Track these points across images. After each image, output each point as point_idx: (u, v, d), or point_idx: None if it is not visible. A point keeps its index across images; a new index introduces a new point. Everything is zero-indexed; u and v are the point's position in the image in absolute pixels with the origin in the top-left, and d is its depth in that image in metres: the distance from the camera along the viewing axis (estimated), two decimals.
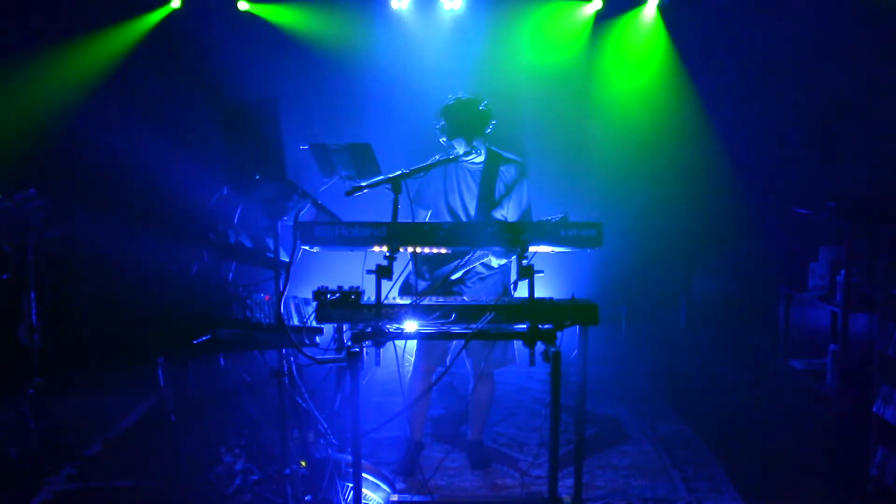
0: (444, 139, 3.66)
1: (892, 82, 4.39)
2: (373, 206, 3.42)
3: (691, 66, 6.16)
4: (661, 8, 6.11)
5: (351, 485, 2.89)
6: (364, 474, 3.00)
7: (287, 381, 3.14)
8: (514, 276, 2.81)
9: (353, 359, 2.71)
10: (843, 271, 3.82)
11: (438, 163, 3.33)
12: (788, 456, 4.12)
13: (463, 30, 6.11)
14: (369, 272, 2.70)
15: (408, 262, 3.30)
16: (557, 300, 2.82)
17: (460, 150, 3.56)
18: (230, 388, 3.47)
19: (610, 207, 6.14)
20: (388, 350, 2.81)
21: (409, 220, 3.50)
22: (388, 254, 2.75)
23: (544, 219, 2.87)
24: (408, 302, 2.79)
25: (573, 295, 2.86)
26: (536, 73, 6.21)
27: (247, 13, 6.09)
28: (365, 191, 2.90)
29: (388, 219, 2.83)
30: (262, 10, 6.10)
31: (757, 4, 5.67)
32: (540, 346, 2.76)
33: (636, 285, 6.54)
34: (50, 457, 3.95)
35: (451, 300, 2.90)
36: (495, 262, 3.67)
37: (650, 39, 6.22)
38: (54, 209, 4.12)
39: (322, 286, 2.75)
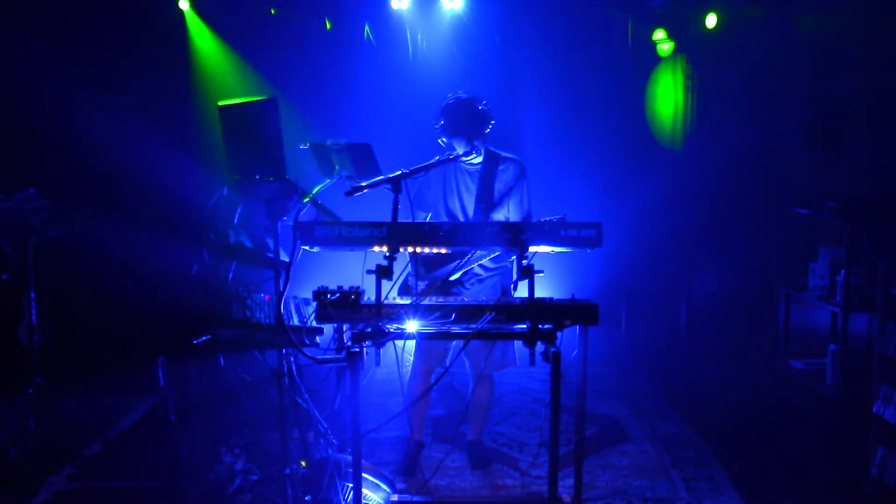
0: (444, 139, 3.66)
1: (892, 82, 4.38)
2: (373, 206, 3.42)
3: (691, 65, 6.17)
4: (661, 8, 6.11)
5: (351, 485, 2.89)
6: (364, 474, 3.00)
7: (287, 381, 3.14)
8: (514, 276, 2.80)
9: (353, 359, 2.71)
10: (843, 271, 3.82)
11: (438, 163, 3.32)
12: (788, 456, 4.12)
13: (463, 30, 6.11)
14: (369, 272, 2.70)
15: (407, 264, 3.29)
16: (557, 300, 2.82)
17: (460, 149, 3.55)
18: (230, 388, 3.46)
19: (610, 207, 6.16)
20: (388, 350, 2.81)
21: (409, 221, 3.50)
22: (388, 254, 2.75)
23: (543, 219, 2.87)
24: (408, 302, 2.79)
25: (573, 295, 2.86)
26: (536, 73, 6.21)
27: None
28: (365, 191, 2.90)
29: (388, 219, 2.83)
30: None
31: (758, 4, 5.67)
32: (540, 346, 2.76)
33: (636, 285, 6.54)
34: (50, 457, 3.95)
35: (451, 300, 2.90)
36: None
37: (651, 39, 6.22)
38: (54, 209, 4.12)
39: (322, 286, 2.75)
